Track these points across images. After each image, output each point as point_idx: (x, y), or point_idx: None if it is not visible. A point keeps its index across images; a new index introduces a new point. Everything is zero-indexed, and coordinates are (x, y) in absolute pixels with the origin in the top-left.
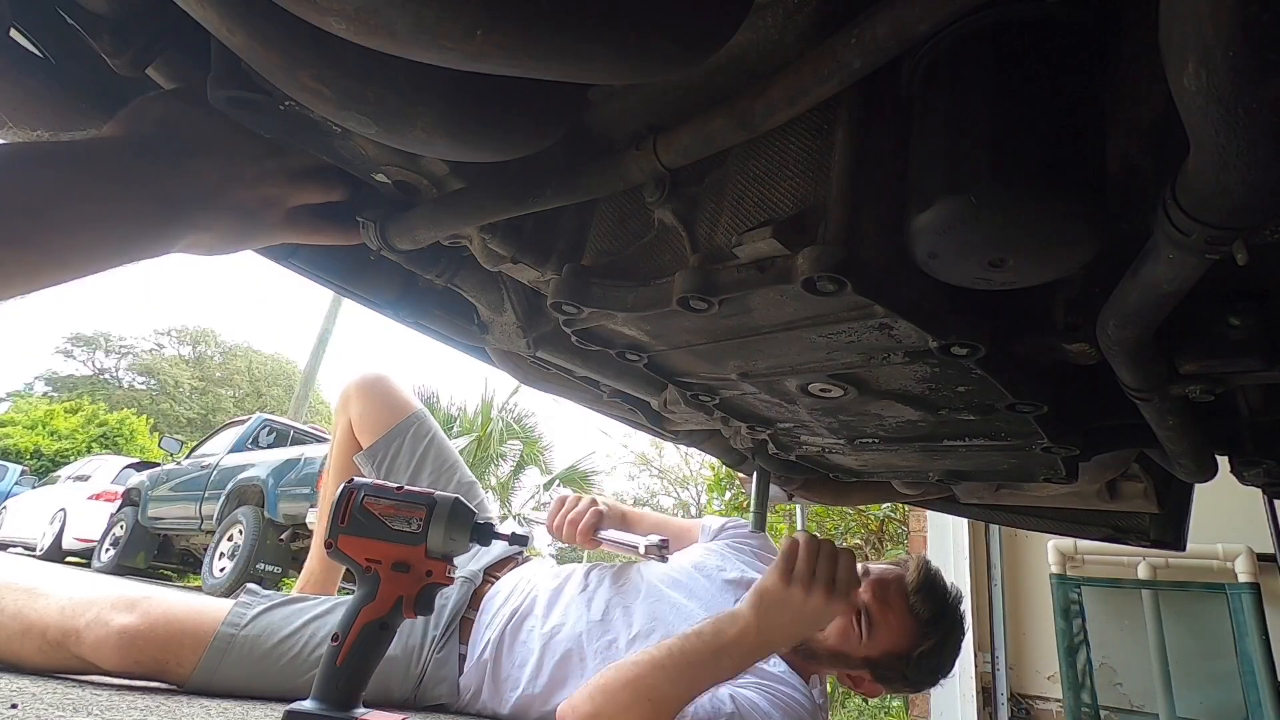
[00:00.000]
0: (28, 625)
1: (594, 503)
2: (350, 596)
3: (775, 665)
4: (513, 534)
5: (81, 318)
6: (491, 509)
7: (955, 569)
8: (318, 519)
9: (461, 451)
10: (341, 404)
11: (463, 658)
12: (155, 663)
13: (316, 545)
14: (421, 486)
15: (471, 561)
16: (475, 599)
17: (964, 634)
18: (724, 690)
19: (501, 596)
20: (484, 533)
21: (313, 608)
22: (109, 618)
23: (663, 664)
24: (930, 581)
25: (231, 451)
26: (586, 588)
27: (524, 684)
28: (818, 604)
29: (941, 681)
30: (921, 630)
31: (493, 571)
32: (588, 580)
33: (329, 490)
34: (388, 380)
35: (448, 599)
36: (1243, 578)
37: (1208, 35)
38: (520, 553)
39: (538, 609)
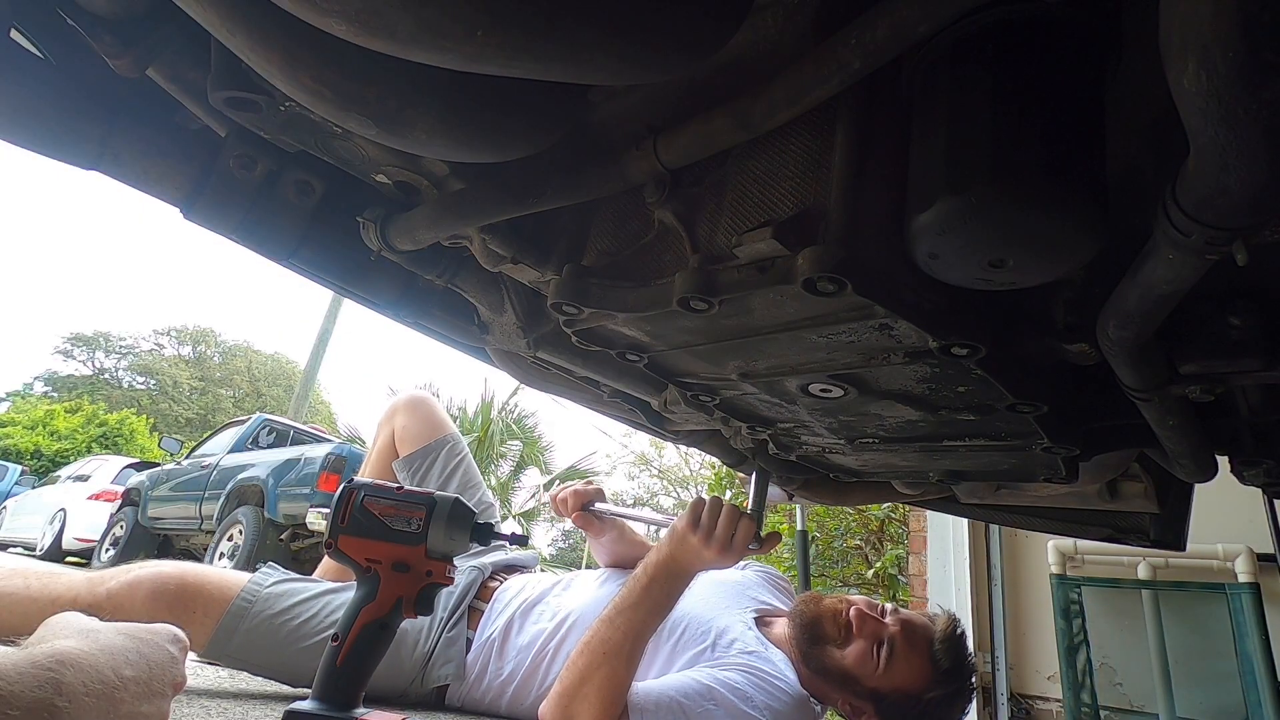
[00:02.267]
0: (55, 596)
1: (600, 490)
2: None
3: (774, 654)
4: (512, 534)
5: (81, 318)
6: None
7: (955, 569)
8: None
9: None
10: (387, 416)
11: (470, 641)
12: (184, 610)
13: None
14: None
15: (484, 556)
16: (485, 592)
17: (971, 702)
18: (706, 672)
19: (511, 592)
20: (484, 533)
21: (327, 583)
22: (140, 571)
23: (606, 619)
24: (958, 638)
25: (231, 451)
26: (600, 580)
27: (530, 660)
28: (711, 554)
29: None
30: (937, 677)
31: (501, 573)
32: (602, 575)
33: None
34: (432, 401)
35: (458, 584)
36: (1243, 578)
37: (1207, 36)
38: (528, 568)
39: (549, 596)
